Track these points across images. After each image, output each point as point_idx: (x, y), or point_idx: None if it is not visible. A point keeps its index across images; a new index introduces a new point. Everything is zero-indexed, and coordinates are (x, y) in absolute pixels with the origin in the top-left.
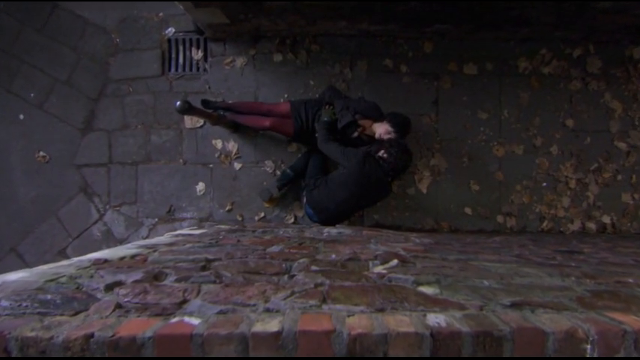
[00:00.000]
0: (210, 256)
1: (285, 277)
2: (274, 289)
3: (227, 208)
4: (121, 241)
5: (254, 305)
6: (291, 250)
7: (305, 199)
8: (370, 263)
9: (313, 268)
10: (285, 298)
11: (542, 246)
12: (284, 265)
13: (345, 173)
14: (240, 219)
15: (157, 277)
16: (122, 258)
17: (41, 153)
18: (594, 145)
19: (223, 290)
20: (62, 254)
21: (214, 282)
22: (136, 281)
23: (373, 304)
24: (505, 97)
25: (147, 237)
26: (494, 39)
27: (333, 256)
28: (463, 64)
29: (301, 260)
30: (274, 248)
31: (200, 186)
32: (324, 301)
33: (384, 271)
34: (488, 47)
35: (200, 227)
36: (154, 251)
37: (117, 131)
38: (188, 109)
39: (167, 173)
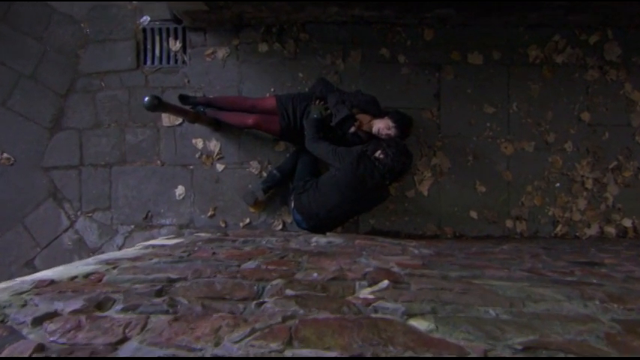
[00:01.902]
0: (173, 275)
1: (253, 304)
2: (232, 324)
3: (209, 214)
4: (94, 251)
5: (201, 350)
6: (269, 267)
7: (293, 204)
8: (357, 284)
9: (288, 292)
10: (241, 339)
11: (557, 256)
12: (255, 288)
13: (337, 175)
14: (223, 225)
15: (100, 305)
16: (73, 278)
17: (5, 155)
18: (613, 141)
19: (170, 326)
20: (29, 265)
21: (166, 312)
22: (74, 311)
23: (350, 347)
24: (514, 89)
25: (122, 246)
26: (501, 25)
27: (315, 274)
28: (467, 53)
29: (275, 282)
30: (250, 264)
31: (179, 189)
32: (289, 343)
33: (372, 297)
34: (495, 34)
35: (178, 236)
36: (114, 268)
37: (88, 130)
38: (158, 105)
39: (144, 176)
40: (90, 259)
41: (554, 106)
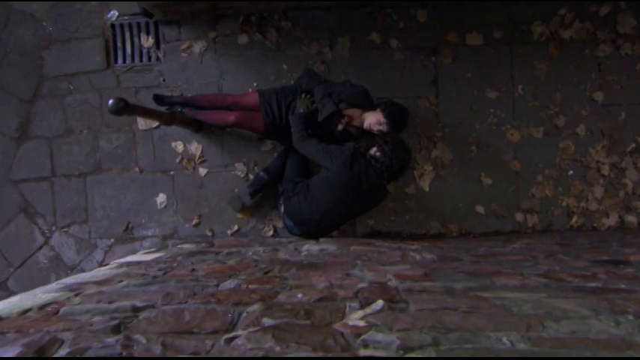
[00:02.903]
0: (140, 303)
1: (222, 340)
2: None
3: (194, 222)
4: (73, 268)
5: None
6: (250, 286)
7: (282, 209)
8: (347, 306)
9: (265, 321)
10: None
11: (576, 254)
12: (229, 316)
13: (329, 176)
14: (209, 234)
15: (43, 350)
16: (26, 311)
17: None
18: (630, 122)
19: None
20: (3, 288)
21: (119, 356)
22: None
23: None
24: (518, 70)
25: (102, 261)
26: (501, 0)
27: (300, 295)
28: (465, 33)
29: (253, 308)
30: (229, 283)
31: (161, 198)
32: None
33: (363, 323)
34: (495, 11)
35: (162, 248)
36: (77, 295)
37: (58, 138)
38: (124, 108)
39: (121, 185)
40: (53, 285)
41: (564, 87)
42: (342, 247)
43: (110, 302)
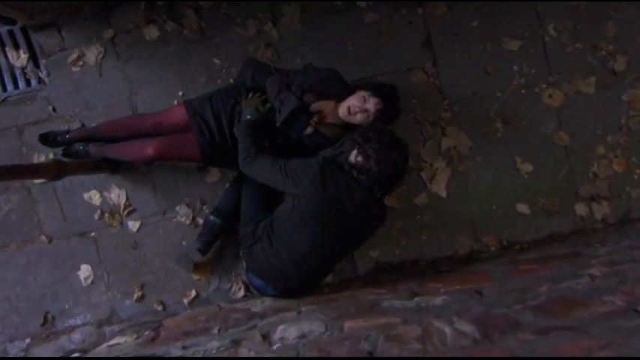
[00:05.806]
0: None
1: None
2: None
3: (135, 297)
4: None
5: None
6: None
7: (245, 264)
8: None
9: None
10: None
11: None
12: None
13: (297, 206)
14: (160, 309)
15: None
16: None
17: None
18: None
19: None
20: None
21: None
22: None
23: None
24: (545, 3)
25: None
26: None
27: None
28: None
29: None
30: None
31: (84, 271)
32: None
33: None
34: None
35: (96, 341)
36: None
37: None
38: None
39: (27, 262)
40: None
41: (616, 14)
42: (333, 322)
43: None
